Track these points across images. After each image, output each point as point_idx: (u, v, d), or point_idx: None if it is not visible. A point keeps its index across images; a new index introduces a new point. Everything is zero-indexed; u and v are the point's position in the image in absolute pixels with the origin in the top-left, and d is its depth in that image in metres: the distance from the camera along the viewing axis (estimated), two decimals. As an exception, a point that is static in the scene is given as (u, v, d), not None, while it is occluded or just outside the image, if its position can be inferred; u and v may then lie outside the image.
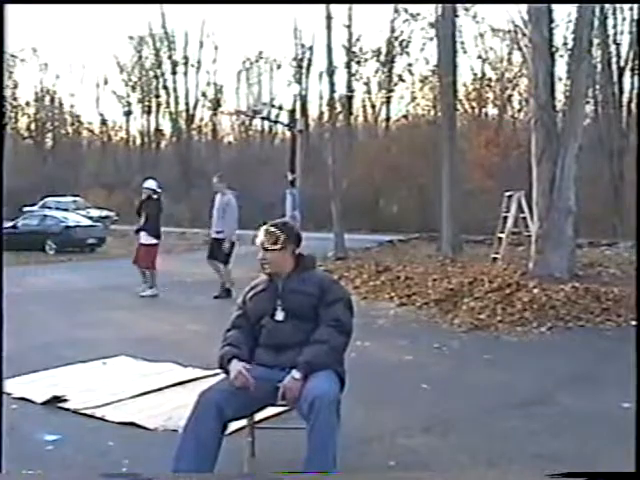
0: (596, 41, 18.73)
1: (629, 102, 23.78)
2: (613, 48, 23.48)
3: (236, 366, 3.19)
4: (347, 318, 3.34)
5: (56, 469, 3.54)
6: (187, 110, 38.88)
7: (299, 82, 35.70)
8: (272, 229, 3.41)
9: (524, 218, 11.96)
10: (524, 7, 9.64)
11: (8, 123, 36.24)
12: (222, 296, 9.66)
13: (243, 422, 3.43)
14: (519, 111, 28.65)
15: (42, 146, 41.93)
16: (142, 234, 10.17)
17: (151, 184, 10.33)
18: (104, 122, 42.67)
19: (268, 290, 3.41)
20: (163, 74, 39.14)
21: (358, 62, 34.18)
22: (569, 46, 12.40)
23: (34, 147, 41.39)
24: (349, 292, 3.76)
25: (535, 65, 9.35)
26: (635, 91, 23.16)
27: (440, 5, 17.31)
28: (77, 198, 28.98)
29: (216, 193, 10.06)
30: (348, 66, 33.65)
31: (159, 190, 10.45)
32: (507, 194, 12.47)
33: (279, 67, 38.85)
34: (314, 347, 3.19)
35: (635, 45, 22.68)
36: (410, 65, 33.22)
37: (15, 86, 39.17)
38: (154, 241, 10.18)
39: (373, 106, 36.19)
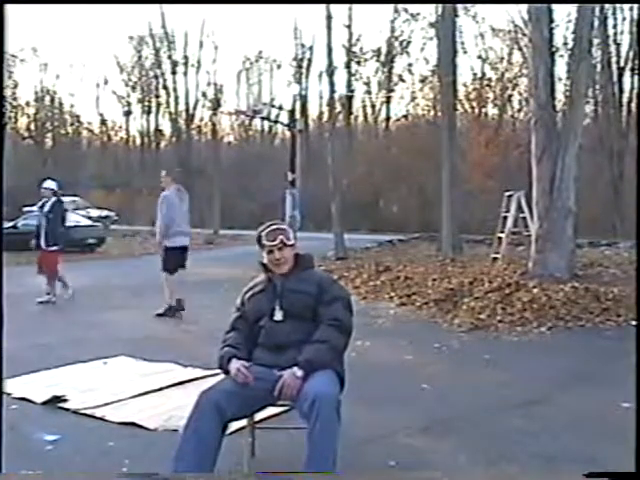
0: (596, 41, 18.75)
1: (629, 102, 23.79)
2: (613, 48, 23.50)
3: (235, 364, 3.21)
4: (347, 317, 3.34)
5: (56, 469, 3.54)
6: (187, 110, 38.88)
7: (299, 82, 35.72)
8: (279, 227, 3.47)
9: (524, 218, 11.97)
10: (524, 7, 9.66)
11: (8, 123, 36.22)
12: (168, 315, 8.15)
13: (243, 422, 3.42)
14: (519, 111, 28.68)
15: (42, 146, 41.91)
16: (42, 240, 9.30)
17: (51, 184, 9.43)
18: (104, 122, 42.78)
19: (267, 290, 3.41)
20: (163, 74, 39.13)
21: (358, 62, 34.19)
22: (569, 46, 12.41)
23: (34, 147, 41.37)
24: (348, 292, 3.76)
25: (535, 65, 9.35)
26: (635, 91, 23.17)
27: (440, 5, 17.32)
28: (77, 198, 28.95)
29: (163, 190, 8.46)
30: (348, 66, 33.66)
31: (60, 191, 9.68)
32: (507, 194, 12.48)
33: (279, 67, 38.98)
34: (315, 346, 3.19)
35: (635, 45, 22.68)
36: (410, 65, 33.27)
37: (15, 86, 39.14)
38: (54, 248, 9.33)
39: (373, 106, 36.23)
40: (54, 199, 9.43)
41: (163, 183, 8.40)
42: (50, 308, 9.10)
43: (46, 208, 9.38)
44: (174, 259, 8.16)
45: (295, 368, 3.12)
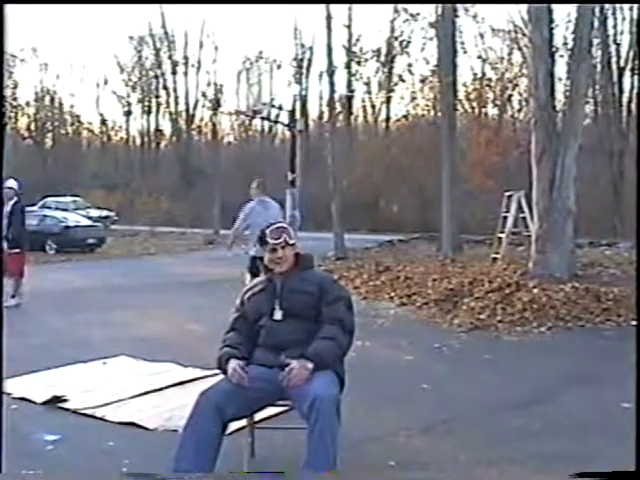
0: (596, 41, 18.75)
1: (629, 102, 23.77)
2: (613, 48, 23.49)
3: (232, 364, 3.21)
4: (349, 317, 3.35)
5: (56, 469, 3.53)
6: (187, 110, 38.92)
7: (299, 82, 35.72)
8: (283, 226, 3.48)
9: (524, 218, 11.97)
10: (524, 7, 9.66)
11: (8, 123, 36.20)
12: None
13: (243, 422, 3.42)
14: (519, 111, 28.66)
15: (42, 146, 41.91)
16: (5, 243, 8.74)
17: (13, 183, 9.07)
18: (104, 122, 42.77)
19: (267, 290, 3.41)
20: (163, 74, 39.17)
21: (358, 62, 34.19)
22: (569, 46, 12.40)
23: (34, 147, 41.37)
24: (349, 291, 3.76)
25: (535, 65, 9.35)
26: (635, 91, 23.16)
27: (440, 5, 17.33)
28: (77, 198, 29.00)
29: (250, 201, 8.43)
30: (348, 66, 33.67)
31: (20, 191, 9.30)
32: (507, 194, 12.48)
33: (279, 67, 38.91)
34: (322, 342, 3.18)
35: (635, 45, 22.68)
36: (410, 65, 33.28)
37: (15, 86, 39.17)
38: (16, 250, 8.91)
39: (373, 106, 36.23)
40: (15, 199, 9.09)
41: (252, 194, 8.33)
42: (50, 308, 9.09)
43: (7, 208, 9.05)
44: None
45: (304, 359, 3.10)
